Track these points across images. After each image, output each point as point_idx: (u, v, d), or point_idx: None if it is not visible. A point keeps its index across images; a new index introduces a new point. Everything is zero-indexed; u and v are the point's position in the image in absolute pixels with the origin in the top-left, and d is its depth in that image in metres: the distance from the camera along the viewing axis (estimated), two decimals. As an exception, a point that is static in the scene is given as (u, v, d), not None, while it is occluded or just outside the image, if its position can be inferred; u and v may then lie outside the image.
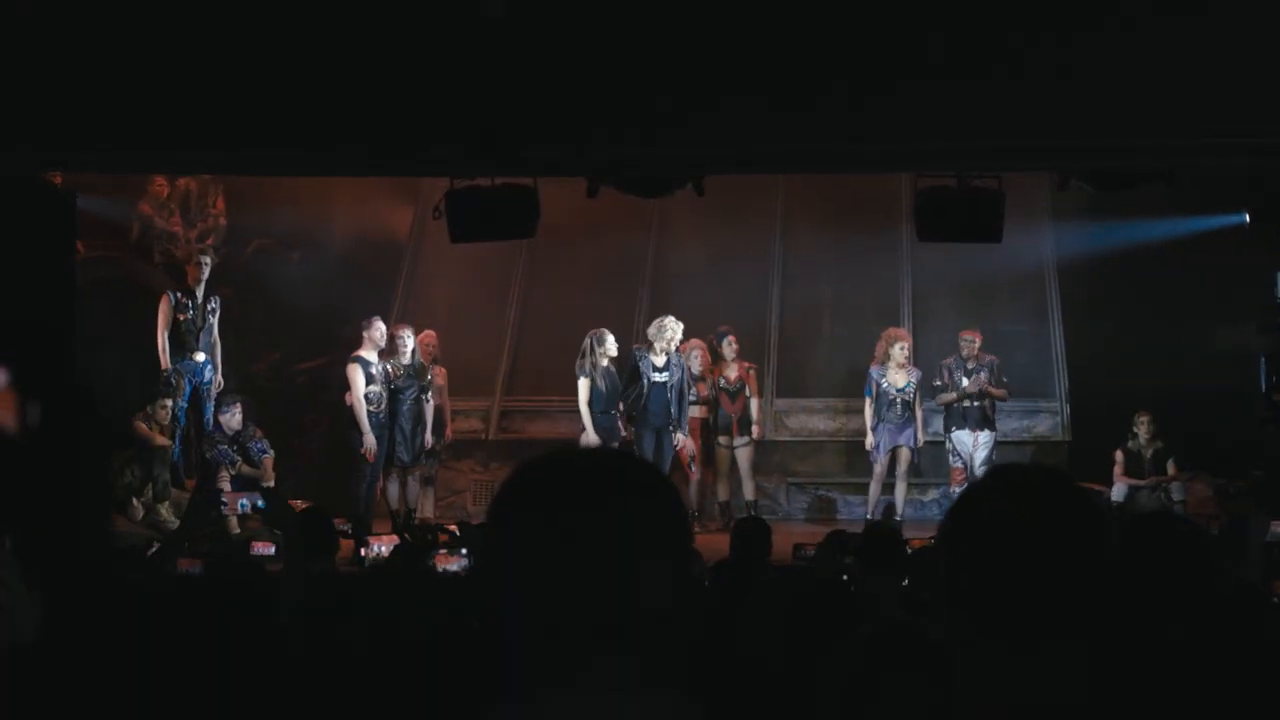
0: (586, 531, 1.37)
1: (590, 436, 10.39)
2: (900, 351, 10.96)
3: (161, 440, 10.25)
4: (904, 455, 11.00)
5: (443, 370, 11.27)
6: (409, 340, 10.76)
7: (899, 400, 10.95)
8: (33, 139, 7.08)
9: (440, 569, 7.11)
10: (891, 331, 11.16)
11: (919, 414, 11.06)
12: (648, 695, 1.37)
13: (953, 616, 1.65)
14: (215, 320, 10.63)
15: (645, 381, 10.60)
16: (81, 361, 8.77)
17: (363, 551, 8.64)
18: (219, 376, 10.69)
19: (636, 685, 1.36)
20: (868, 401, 11.10)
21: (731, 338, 11.33)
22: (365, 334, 10.67)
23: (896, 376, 10.97)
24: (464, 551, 7.54)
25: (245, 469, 10.42)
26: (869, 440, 11.08)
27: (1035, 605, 1.59)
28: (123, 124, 6.98)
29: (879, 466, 11.03)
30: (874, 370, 11.06)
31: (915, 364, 11.23)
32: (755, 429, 11.27)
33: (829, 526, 8.57)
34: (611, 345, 10.66)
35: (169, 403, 10.32)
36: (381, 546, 8.37)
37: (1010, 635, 1.59)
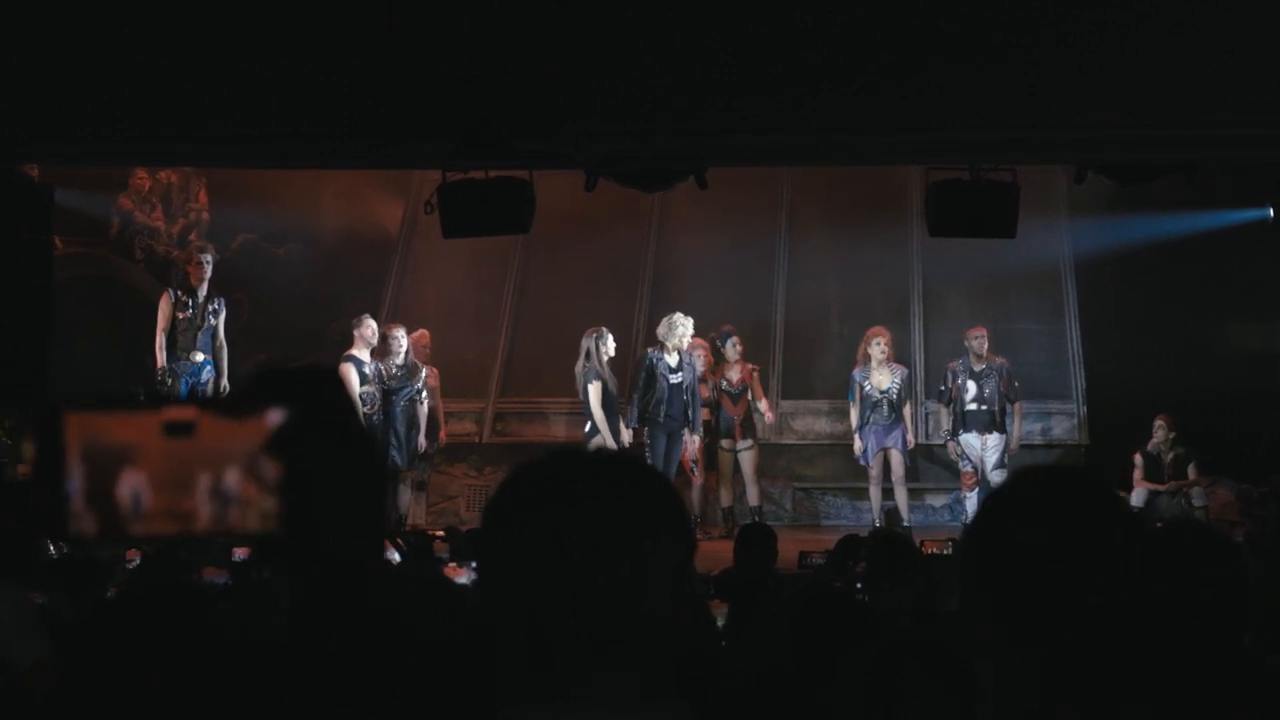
0: (579, 532, 1.36)
1: (607, 440, 10.35)
2: (878, 349, 10.95)
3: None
4: (895, 458, 10.96)
5: (435, 371, 11.25)
6: (402, 339, 10.75)
7: (884, 401, 10.94)
8: (7, 130, 7.07)
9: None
10: (871, 331, 11.16)
11: (907, 414, 11.04)
12: (646, 707, 1.36)
13: (982, 625, 1.65)
14: (220, 322, 10.60)
15: (664, 384, 10.60)
16: (59, 362, 8.75)
17: None
18: (224, 380, 10.67)
19: (634, 696, 1.35)
20: (851, 405, 11.12)
21: (736, 339, 11.31)
22: (356, 333, 10.66)
23: (880, 377, 10.97)
24: (472, 565, 7.50)
25: None
26: (856, 445, 11.09)
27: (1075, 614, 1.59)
28: (101, 114, 6.97)
29: (873, 470, 11.02)
30: (857, 372, 11.07)
31: (924, 364, 11.21)
32: (768, 414, 11.24)
33: (836, 533, 8.55)
34: (612, 345, 10.65)
35: None
36: None
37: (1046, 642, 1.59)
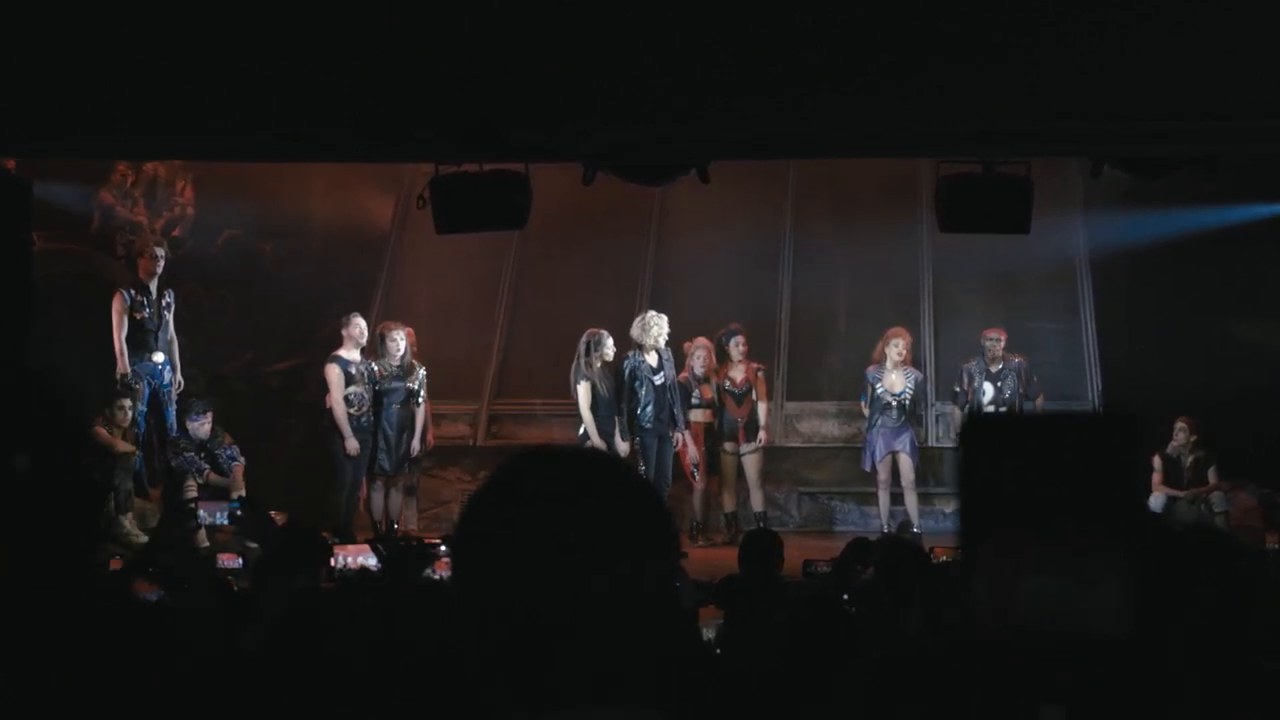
0: (580, 531, 1.38)
1: (596, 442, 10.39)
2: (895, 350, 10.95)
3: (124, 446, 10.15)
4: (904, 463, 10.98)
5: (424, 373, 11.25)
6: (399, 338, 10.75)
7: (895, 405, 10.95)
8: (6, 128, 7.10)
9: (441, 575, 7.09)
10: (891, 331, 11.18)
11: (925, 417, 11.05)
12: (618, 711, 1.38)
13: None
14: (171, 316, 10.61)
15: (648, 388, 10.61)
16: (37, 363, 8.76)
17: (332, 563, 8.61)
18: (179, 377, 10.67)
19: (606, 702, 1.37)
20: (864, 405, 11.15)
21: (740, 337, 11.31)
22: (345, 332, 10.66)
23: (894, 380, 10.97)
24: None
25: (214, 478, 10.40)
26: (865, 458, 11.11)
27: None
28: (101, 111, 6.99)
29: (880, 474, 11.03)
30: (870, 372, 11.08)
31: (935, 364, 11.20)
32: (763, 435, 11.27)
33: (844, 539, 8.56)
34: (610, 348, 10.66)
35: (127, 403, 10.24)
36: (348, 558, 8.33)
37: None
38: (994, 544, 1.62)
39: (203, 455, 10.39)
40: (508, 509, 1.41)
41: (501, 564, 1.38)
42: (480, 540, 1.41)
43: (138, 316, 10.39)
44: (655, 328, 10.70)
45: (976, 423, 1.77)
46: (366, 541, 8.02)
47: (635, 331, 10.76)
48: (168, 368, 10.57)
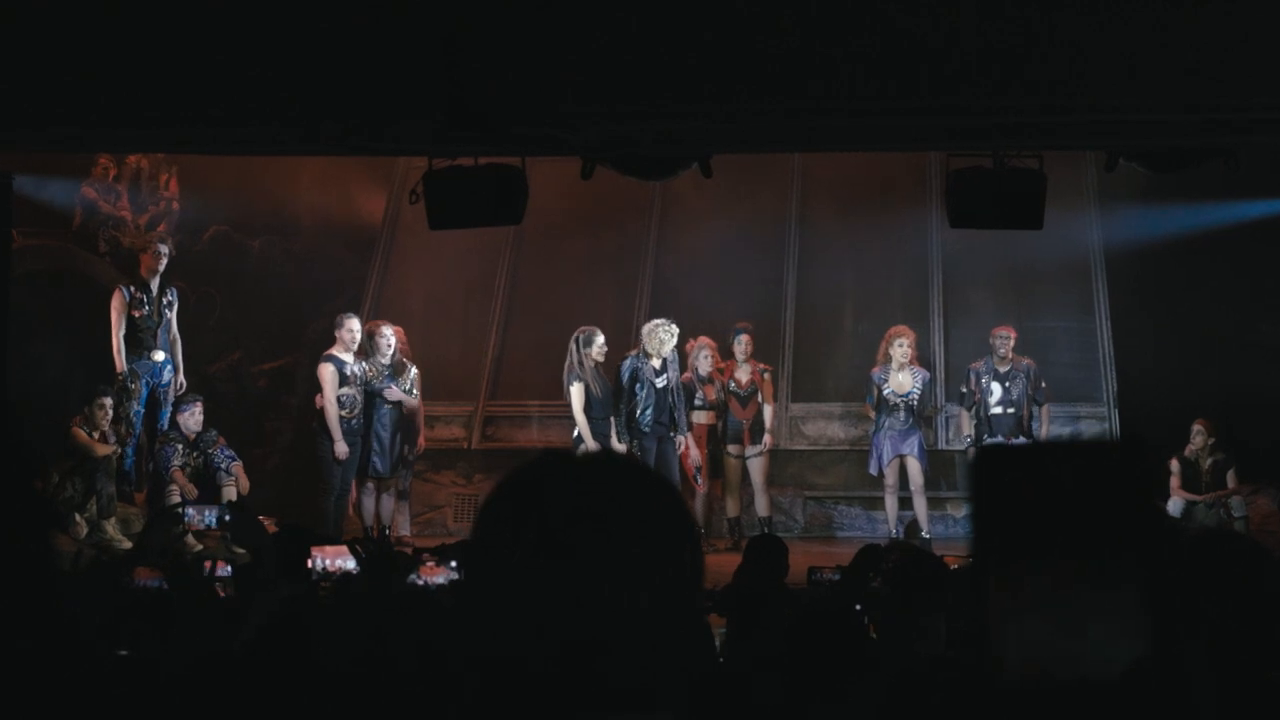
0: (612, 561, 1.36)
1: (590, 445, 10.38)
2: (901, 350, 10.95)
3: (103, 449, 10.05)
4: (913, 466, 10.97)
5: (416, 373, 11.25)
6: (390, 337, 10.74)
7: (902, 406, 10.95)
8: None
9: (424, 581, 7.07)
10: (893, 330, 11.17)
11: (937, 420, 11.05)
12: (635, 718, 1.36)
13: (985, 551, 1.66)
14: (173, 315, 10.60)
15: (648, 390, 10.59)
16: (16, 363, 8.74)
17: (309, 564, 8.56)
18: (180, 377, 10.66)
19: (624, 710, 1.36)
20: (869, 408, 11.14)
21: (746, 336, 11.28)
22: (337, 332, 10.65)
23: (900, 380, 10.97)
24: (452, 564, 7.49)
25: (182, 482, 10.23)
26: (872, 463, 11.11)
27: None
28: (66, 98, 6.98)
29: (888, 478, 11.02)
30: (876, 373, 11.08)
31: (944, 364, 11.18)
32: (768, 438, 11.25)
33: (850, 545, 8.54)
34: (599, 346, 10.62)
35: (108, 401, 10.17)
36: (326, 560, 8.28)
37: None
38: (1011, 581, 1.61)
39: (195, 454, 10.33)
40: (527, 515, 1.38)
41: (520, 574, 1.36)
42: (498, 549, 1.39)
43: (136, 314, 10.39)
44: (660, 340, 10.65)
45: (987, 456, 1.75)
46: (345, 543, 7.98)
47: (645, 334, 10.75)
48: (168, 366, 10.55)
